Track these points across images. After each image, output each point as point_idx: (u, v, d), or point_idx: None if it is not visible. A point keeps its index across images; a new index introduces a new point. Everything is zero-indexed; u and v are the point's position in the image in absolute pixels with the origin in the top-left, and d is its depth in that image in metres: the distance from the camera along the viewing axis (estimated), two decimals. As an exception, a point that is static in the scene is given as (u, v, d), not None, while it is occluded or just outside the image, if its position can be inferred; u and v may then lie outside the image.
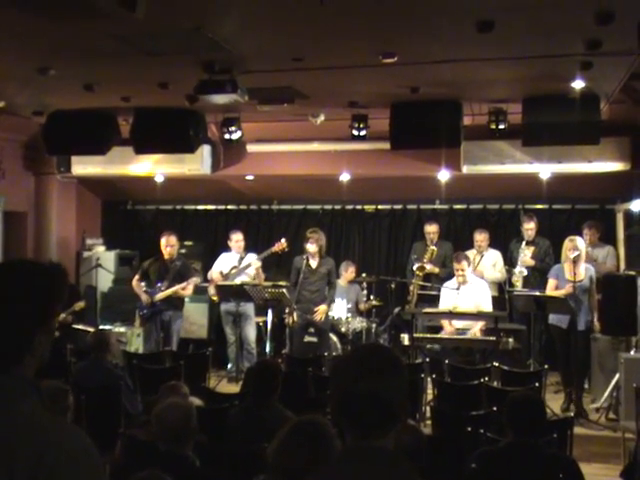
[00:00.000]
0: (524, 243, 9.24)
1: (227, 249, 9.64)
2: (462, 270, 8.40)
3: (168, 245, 8.77)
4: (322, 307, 8.79)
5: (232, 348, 9.30)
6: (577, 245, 7.61)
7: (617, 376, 7.37)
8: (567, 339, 7.61)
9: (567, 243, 7.72)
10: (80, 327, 9.05)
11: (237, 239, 9.49)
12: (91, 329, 8.16)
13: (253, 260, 9.29)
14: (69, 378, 6.02)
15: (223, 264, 9.50)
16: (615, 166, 8.67)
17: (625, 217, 8.44)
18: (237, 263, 9.41)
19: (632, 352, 7.88)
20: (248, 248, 9.63)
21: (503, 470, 3.73)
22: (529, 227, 9.27)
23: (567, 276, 7.60)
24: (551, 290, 7.78)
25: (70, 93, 7.35)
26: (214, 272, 9.48)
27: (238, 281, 9.19)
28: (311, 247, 8.71)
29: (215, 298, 9.44)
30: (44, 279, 1.78)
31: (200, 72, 6.24)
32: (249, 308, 9.22)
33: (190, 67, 6.20)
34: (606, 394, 7.65)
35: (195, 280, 8.90)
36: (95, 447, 1.70)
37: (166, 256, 8.78)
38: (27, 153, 10.16)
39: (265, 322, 9.29)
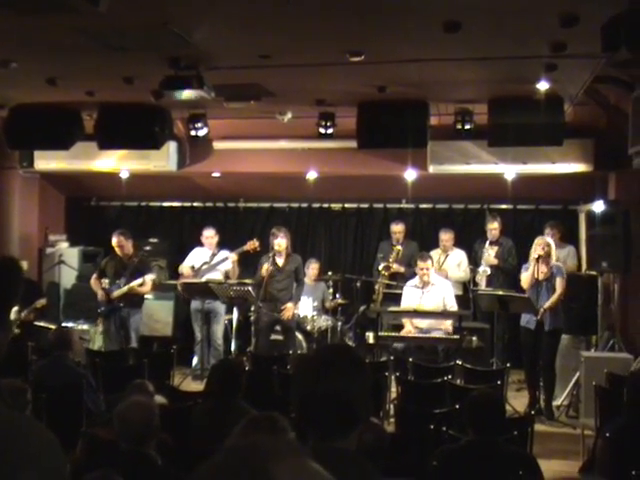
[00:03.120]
0: (487, 243, 9.34)
1: (193, 246, 9.60)
2: (427, 269, 8.43)
3: (118, 245, 8.70)
4: (289, 305, 8.78)
5: (200, 345, 9.25)
6: (544, 244, 7.67)
7: (577, 374, 7.48)
8: (533, 341, 7.64)
9: (536, 241, 7.81)
10: (42, 324, 8.93)
11: (208, 235, 9.47)
12: (53, 326, 8.05)
13: (230, 254, 9.24)
14: (29, 376, 5.94)
15: (195, 259, 9.46)
16: (578, 167, 8.79)
17: (587, 218, 8.56)
18: (208, 259, 9.36)
19: (592, 351, 8.02)
20: (219, 245, 9.59)
21: (464, 468, 3.76)
22: (493, 227, 9.38)
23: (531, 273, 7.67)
24: (524, 282, 7.83)
25: (33, 87, 7.23)
26: (185, 267, 9.42)
27: (210, 277, 9.15)
28: (282, 242, 8.69)
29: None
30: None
31: (166, 68, 6.18)
32: (219, 305, 9.20)
33: (156, 63, 6.13)
34: (566, 392, 7.77)
35: (151, 277, 8.78)
36: (58, 441, 1.69)
37: (120, 255, 8.72)
38: (-12, 147, 9.99)
39: (230, 320, 9.26)
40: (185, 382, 8.68)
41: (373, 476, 1.83)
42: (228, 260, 9.25)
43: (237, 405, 4.56)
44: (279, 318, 8.82)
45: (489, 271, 9.18)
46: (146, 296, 9.59)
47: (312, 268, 9.83)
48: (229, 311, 9.36)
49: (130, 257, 8.74)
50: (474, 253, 9.64)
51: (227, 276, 9.29)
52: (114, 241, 8.71)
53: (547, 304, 7.53)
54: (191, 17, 5.21)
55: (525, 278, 7.78)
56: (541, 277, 7.62)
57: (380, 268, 9.32)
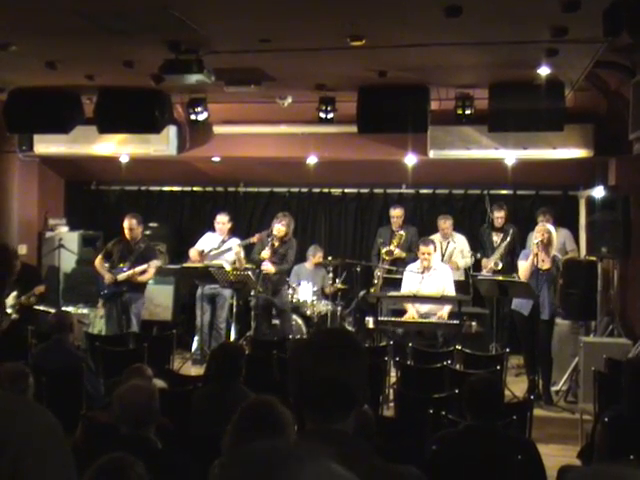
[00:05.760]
0: (496, 235, 9.41)
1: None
2: (429, 254, 8.41)
3: (129, 228, 8.72)
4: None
5: (200, 330, 9.25)
6: (544, 230, 7.65)
7: (576, 359, 7.50)
8: (529, 326, 7.66)
9: (537, 228, 7.82)
10: (42, 308, 8.93)
11: (220, 220, 9.43)
12: (53, 310, 8.06)
13: (234, 245, 9.22)
14: (29, 360, 5.95)
15: (205, 244, 9.43)
16: (578, 153, 8.77)
17: (587, 203, 8.55)
18: (217, 245, 9.34)
19: (591, 336, 8.04)
20: (231, 232, 9.55)
21: (463, 452, 3.78)
22: (499, 215, 9.50)
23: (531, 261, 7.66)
24: (521, 272, 7.81)
25: (32, 70, 7.20)
26: (193, 250, 9.38)
27: (214, 263, 9.14)
28: (280, 227, 8.69)
29: None
30: None
31: (166, 51, 6.16)
32: (226, 290, 9.18)
33: (156, 46, 6.10)
34: (565, 377, 7.80)
35: (156, 263, 8.81)
36: (59, 423, 1.69)
37: (128, 238, 8.72)
38: (-13, 131, 9.95)
39: (231, 305, 9.27)
40: (185, 366, 8.70)
41: (371, 458, 1.84)
42: (232, 251, 9.21)
43: (237, 389, 4.57)
44: (273, 300, 8.83)
45: (500, 265, 9.19)
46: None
47: (318, 256, 9.83)
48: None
49: (137, 242, 8.77)
50: (480, 236, 9.67)
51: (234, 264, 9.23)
52: (126, 223, 8.73)
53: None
54: (192, 0, 5.17)
55: (523, 268, 7.73)
56: (543, 266, 7.56)
57: (383, 252, 9.33)
